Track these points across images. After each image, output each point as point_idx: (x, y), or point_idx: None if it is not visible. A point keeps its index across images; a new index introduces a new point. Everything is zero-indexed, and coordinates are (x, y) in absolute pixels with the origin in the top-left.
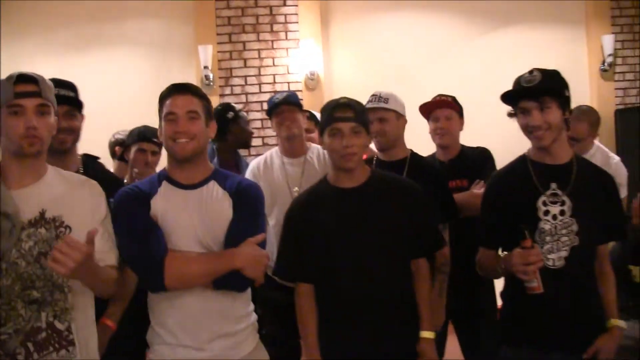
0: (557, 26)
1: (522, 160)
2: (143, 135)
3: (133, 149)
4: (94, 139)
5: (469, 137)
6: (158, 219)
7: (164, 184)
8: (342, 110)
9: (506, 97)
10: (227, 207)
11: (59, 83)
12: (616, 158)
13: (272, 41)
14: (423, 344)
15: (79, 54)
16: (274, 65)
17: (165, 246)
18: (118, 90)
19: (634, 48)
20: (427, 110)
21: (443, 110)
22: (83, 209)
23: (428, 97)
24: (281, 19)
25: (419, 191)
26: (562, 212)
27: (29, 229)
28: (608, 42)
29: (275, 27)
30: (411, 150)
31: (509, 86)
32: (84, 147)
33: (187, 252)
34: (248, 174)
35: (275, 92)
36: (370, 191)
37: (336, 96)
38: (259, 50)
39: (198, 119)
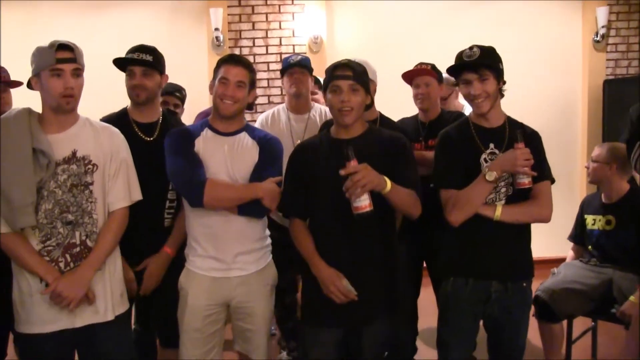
0: None
1: (466, 122)
2: (165, 90)
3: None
4: (111, 94)
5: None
6: (200, 155)
7: (206, 129)
8: (342, 69)
9: (451, 70)
10: (255, 153)
11: (140, 48)
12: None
13: (279, 5)
14: None
15: (94, 15)
16: (280, 28)
17: (205, 174)
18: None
19: (628, 20)
20: (408, 77)
21: (423, 78)
22: (105, 151)
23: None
24: None
25: (406, 145)
26: None
27: (63, 165)
28: (602, 13)
29: None
30: (379, 112)
31: (505, 53)
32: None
33: (222, 180)
34: (257, 125)
35: (282, 54)
36: (361, 143)
37: (338, 59)
38: (266, 14)
39: (244, 88)
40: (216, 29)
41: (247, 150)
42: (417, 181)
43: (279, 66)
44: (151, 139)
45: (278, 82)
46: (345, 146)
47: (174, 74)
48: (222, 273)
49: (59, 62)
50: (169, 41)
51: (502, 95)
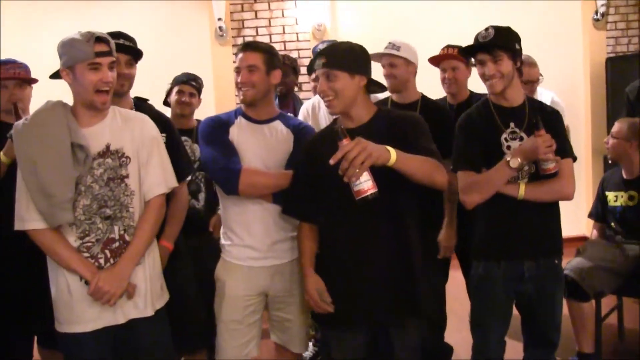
0: None
1: (486, 102)
2: (181, 79)
3: (174, 91)
4: None
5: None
6: (234, 143)
7: (240, 118)
8: (318, 58)
9: (466, 51)
10: (290, 141)
11: (120, 34)
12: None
13: None
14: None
15: (94, 8)
16: (283, 17)
17: (240, 161)
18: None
19: None
20: (435, 61)
21: (450, 62)
22: (137, 140)
23: (429, 48)
24: None
25: (419, 120)
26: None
27: (98, 159)
28: None
29: None
30: (422, 93)
31: None
32: None
33: (257, 168)
34: (300, 115)
35: (285, 42)
36: (371, 131)
37: None
38: (269, 2)
39: (256, 71)
40: (219, 19)
41: (282, 139)
42: (433, 150)
43: (283, 54)
44: None
45: None
46: (335, 126)
47: (178, 65)
48: (259, 262)
49: (98, 55)
50: (172, 32)
51: (521, 74)
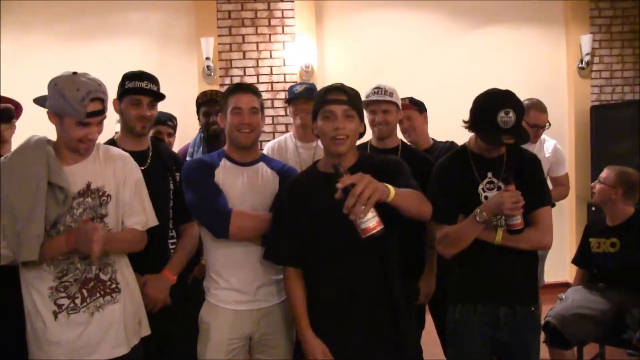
0: (538, 25)
1: (463, 151)
2: (158, 119)
3: (150, 132)
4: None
5: (446, 132)
6: (220, 185)
7: (224, 160)
8: (335, 93)
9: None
10: (275, 183)
11: (143, 75)
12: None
13: (270, 35)
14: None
15: (83, 45)
16: (271, 57)
17: (228, 204)
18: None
19: (611, 47)
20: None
21: (404, 112)
22: (118, 179)
23: (413, 90)
24: (278, 14)
25: (400, 162)
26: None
27: (78, 199)
28: (586, 41)
29: (273, 22)
30: (401, 139)
31: (492, 80)
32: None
33: (246, 211)
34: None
35: (273, 82)
36: (355, 173)
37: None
38: (257, 43)
39: (257, 114)
40: (207, 58)
41: (267, 181)
42: (415, 185)
43: (270, 95)
44: (143, 168)
45: (270, 112)
46: (336, 163)
47: (165, 103)
48: (246, 305)
49: (89, 116)
50: (159, 70)
51: None
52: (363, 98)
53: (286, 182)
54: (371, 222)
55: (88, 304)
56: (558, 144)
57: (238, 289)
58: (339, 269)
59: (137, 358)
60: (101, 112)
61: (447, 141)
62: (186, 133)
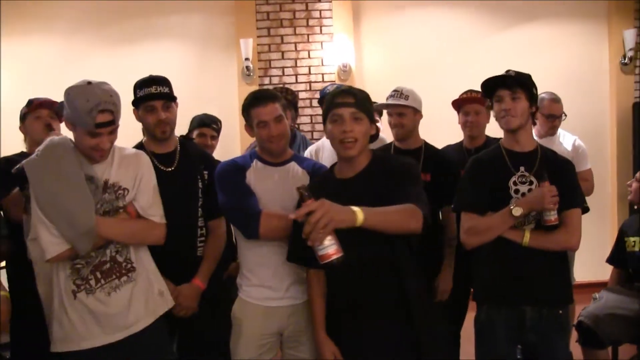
0: (578, 21)
1: (497, 147)
2: (203, 122)
3: (194, 134)
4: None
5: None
6: (251, 186)
7: (255, 161)
8: (342, 96)
9: (486, 87)
10: (305, 182)
11: (153, 81)
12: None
13: (308, 35)
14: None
15: (128, 48)
16: (309, 57)
17: (258, 205)
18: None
19: None
20: (457, 104)
21: (472, 105)
22: (132, 175)
23: (451, 90)
24: (316, 14)
25: (409, 166)
26: (529, 191)
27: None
28: (629, 36)
29: (311, 22)
30: (424, 140)
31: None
32: (132, 133)
33: (276, 211)
34: (307, 152)
35: (311, 82)
36: (367, 178)
37: (367, 87)
38: (295, 43)
39: (282, 119)
40: (246, 59)
41: (297, 180)
42: (417, 195)
43: (308, 95)
44: (171, 169)
45: (308, 111)
46: (300, 188)
47: (205, 105)
48: (276, 302)
49: (98, 126)
50: (200, 72)
51: (534, 122)
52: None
53: (305, 185)
54: (328, 249)
55: (103, 285)
56: (579, 140)
57: (269, 286)
58: (353, 271)
59: (161, 327)
60: (111, 123)
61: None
62: (226, 133)
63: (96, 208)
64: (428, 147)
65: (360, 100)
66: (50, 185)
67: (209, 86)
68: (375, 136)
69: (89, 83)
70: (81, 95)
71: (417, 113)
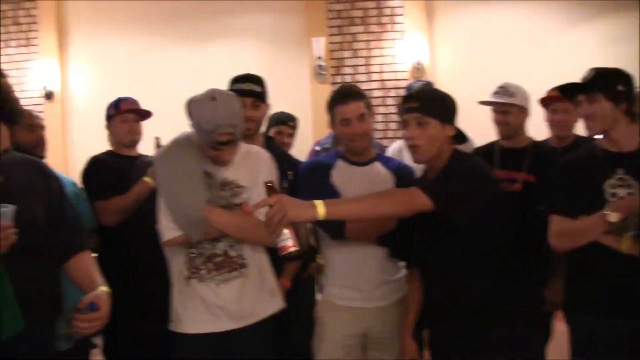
0: None
1: (594, 146)
2: (280, 119)
3: (272, 131)
4: None
5: None
6: (336, 186)
7: (340, 160)
8: (408, 101)
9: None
10: (390, 183)
11: (248, 78)
12: None
13: (380, 33)
14: None
15: (203, 47)
16: (381, 55)
17: None
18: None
19: None
20: (545, 102)
21: (561, 104)
22: (252, 174)
23: (527, 87)
24: (387, 11)
25: (472, 166)
26: (629, 195)
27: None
28: None
29: (382, 20)
30: (531, 138)
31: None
32: None
33: None
34: (389, 154)
35: (384, 80)
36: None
37: (441, 84)
38: (367, 41)
39: (365, 119)
40: (318, 58)
41: (382, 181)
42: (435, 184)
43: (381, 93)
44: None
45: (381, 109)
46: (267, 183)
47: (277, 103)
48: (362, 303)
49: (220, 144)
50: (272, 72)
51: (633, 117)
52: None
53: (407, 179)
54: (284, 242)
55: (214, 277)
56: None
57: (354, 286)
58: (444, 276)
59: (268, 327)
60: (231, 142)
61: (589, 138)
62: (298, 131)
63: (212, 202)
64: (536, 145)
65: (426, 104)
66: (169, 176)
67: (281, 85)
68: (459, 137)
69: (214, 99)
70: (204, 114)
71: (523, 111)
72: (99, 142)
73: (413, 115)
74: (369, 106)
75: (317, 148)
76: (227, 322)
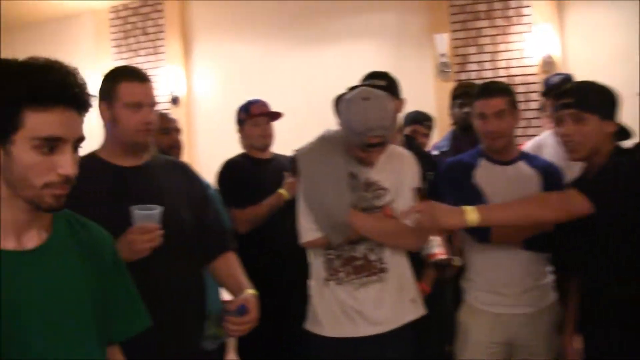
0: None
1: None
2: (416, 119)
3: (407, 130)
4: None
5: None
6: (479, 187)
7: (482, 159)
8: (563, 96)
9: None
10: (535, 183)
11: (374, 75)
12: None
13: (505, 26)
14: None
15: (323, 48)
16: (508, 50)
17: None
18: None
19: None
20: None
21: None
22: (395, 177)
23: None
24: (514, 4)
25: (612, 171)
26: None
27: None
28: None
29: (508, 13)
30: None
31: None
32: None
33: None
34: (527, 149)
35: (512, 76)
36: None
37: (576, 79)
38: (492, 35)
39: (505, 117)
40: (442, 55)
41: (527, 180)
42: (591, 184)
43: None
44: None
45: None
46: (417, 189)
47: None
48: (508, 309)
49: (370, 146)
50: (394, 70)
51: None
52: None
53: (555, 179)
54: (434, 249)
55: (352, 280)
56: None
57: (500, 292)
58: (601, 277)
59: (408, 334)
60: (381, 144)
61: None
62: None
63: (355, 204)
64: None
65: (583, 99)
66: (313, 176)
67: (404, 84)
68: (622, 133)
69: (366, 98)
70: (355, 114)
71: None
72: (223, 145)
73: (569, 112)
74: (513, 103)
75: (435, 152)
76: (366, 327)
